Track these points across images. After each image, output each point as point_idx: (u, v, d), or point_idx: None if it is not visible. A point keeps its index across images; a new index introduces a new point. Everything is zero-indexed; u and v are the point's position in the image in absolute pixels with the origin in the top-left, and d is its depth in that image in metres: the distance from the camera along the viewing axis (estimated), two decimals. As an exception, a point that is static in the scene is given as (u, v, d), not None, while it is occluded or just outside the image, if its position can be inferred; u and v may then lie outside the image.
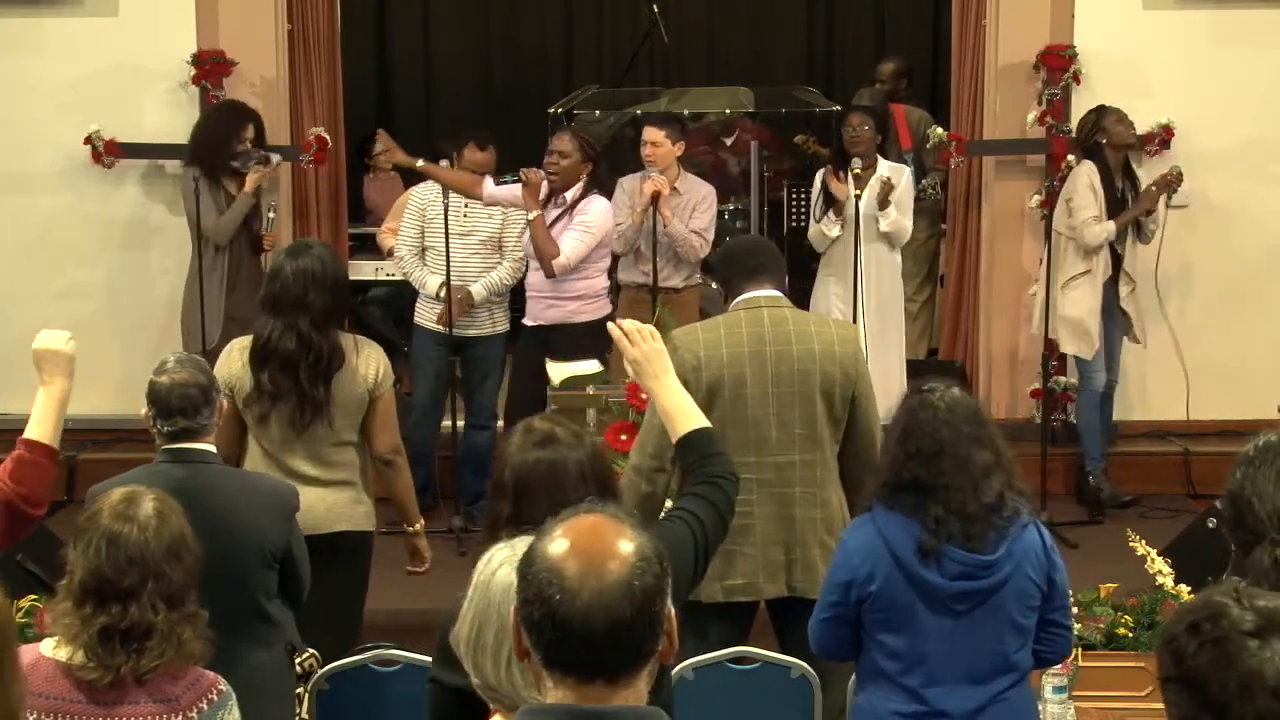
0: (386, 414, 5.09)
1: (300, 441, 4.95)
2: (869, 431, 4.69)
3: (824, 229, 7.47)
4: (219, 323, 7.31)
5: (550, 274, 6.93)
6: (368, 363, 5.02)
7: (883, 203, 7.34)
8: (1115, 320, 7.55)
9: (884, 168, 7.51)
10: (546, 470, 3.27)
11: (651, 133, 7.50)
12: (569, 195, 6.99)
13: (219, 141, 7.48)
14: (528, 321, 7.15)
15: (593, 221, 6.92)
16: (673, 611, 2.21)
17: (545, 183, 6.97)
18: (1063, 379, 7.90)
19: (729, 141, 9.80)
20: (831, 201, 7.46)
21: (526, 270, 7.23)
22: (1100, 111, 7.51)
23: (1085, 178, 7.39)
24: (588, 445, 3.36)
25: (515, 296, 7.53)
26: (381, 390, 5.04)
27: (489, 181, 7.04)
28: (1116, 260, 7.49)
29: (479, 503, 7.35)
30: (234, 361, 4.99)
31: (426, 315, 7.41)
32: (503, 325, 7.49)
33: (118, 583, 3.22)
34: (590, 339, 6.84)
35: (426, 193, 7.44)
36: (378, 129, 8.58)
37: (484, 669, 2.58)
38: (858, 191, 7.11)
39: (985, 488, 3.66)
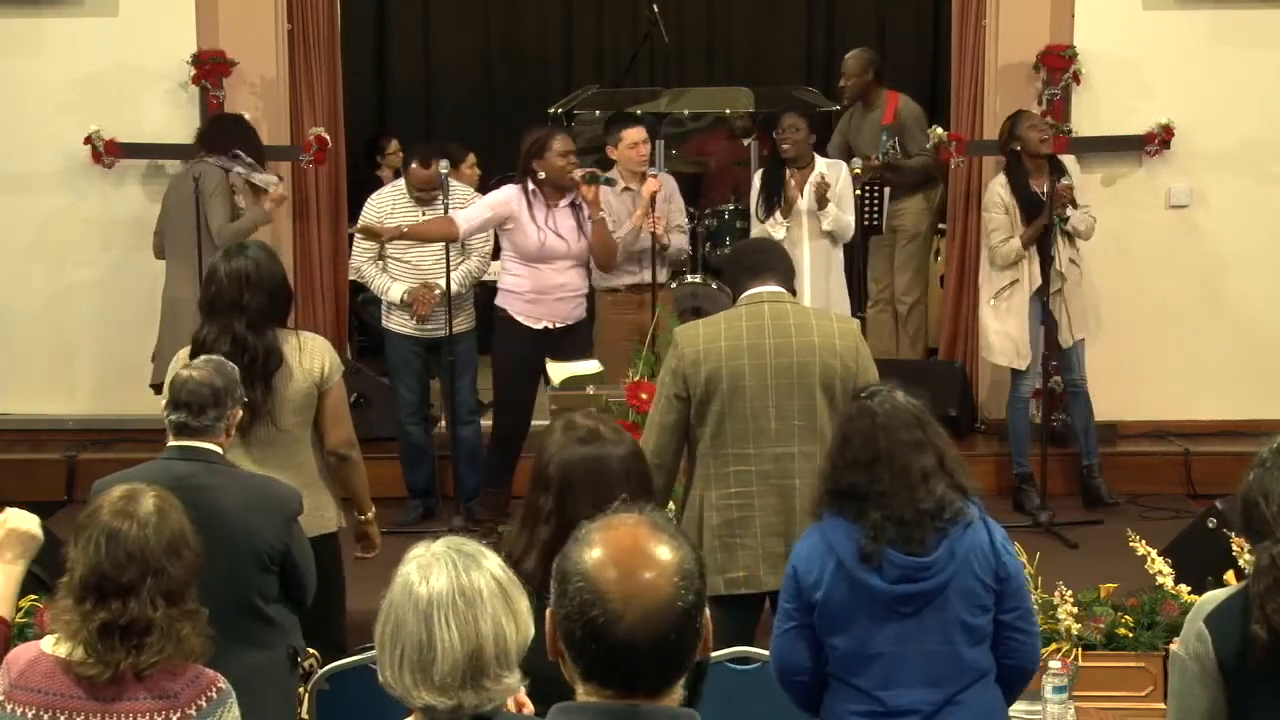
0: (337, 407, 5.08)
1: (244, 445, 4.91)
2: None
3: (770, 229, 7.48)
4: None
5: (613, 268, 7.30)
6: (313, 357, 5.01)
7: (821, 201, 7.37)
8: (1052, 325, 7.43)
9: (821, 165, 7.57)
10: (592, 466, 3.29)
11: (641, 132, 7.56)
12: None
13: (237, 134, 7.45)
14: (545, 325, 7.12)
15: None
16: (708, 615, 2.22)
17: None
18: (1058, 379, 7.89)
19: (747, 143, 9.79)
20: (774, 202, 7.49)
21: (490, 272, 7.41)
22: (1016, 119, 7.42)
23: (996, 195, 7.36)
24: (629, 443, 3.37)
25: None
26: (330, 384, 5.03)
27: (460, 216, 7.04)
28: (1047, 263, 7.32)
29: (477, 498, 7.37)
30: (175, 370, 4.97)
31: (398, 320, 7.45)
32: (470, 322, 7.52)
33: (117, 578, 3.22)
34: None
35: (383, 201, 7.50)
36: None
37: (384, 668, 2.59)
38: (857, 191, 7.13)
39: (924, 493, 3.64)
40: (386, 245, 7.34)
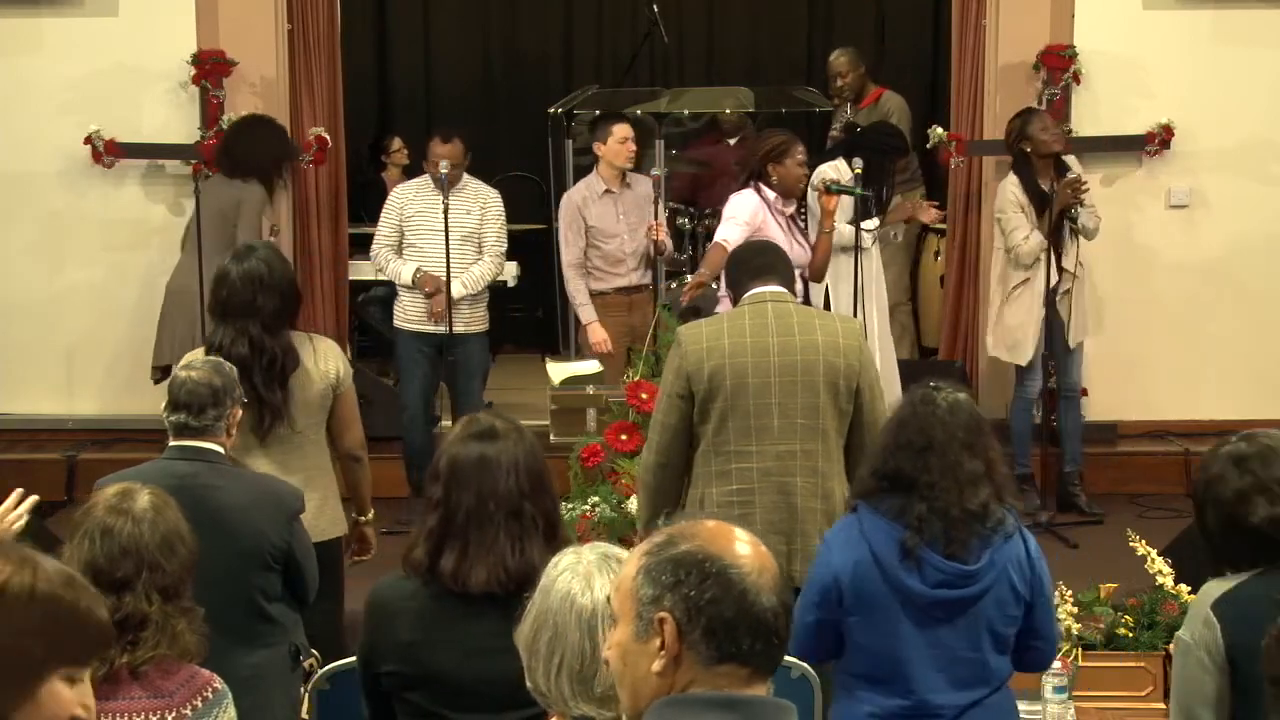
0: (350, 410, 5.10)
1: (263, 446, 4.93)
2: (875, 424, 4.66)
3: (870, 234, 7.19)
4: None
5: (821, 279, 6.75)
6: (325, 360, 5.02)
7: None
8: (1057, 325, 7.45)
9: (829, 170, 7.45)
10: (477, 460, 3.37)
11: (626, 128, 7.57)
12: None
13: (282, 154, 7.51)
14: None
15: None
16: None
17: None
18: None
19: (733, 143, 9.80)
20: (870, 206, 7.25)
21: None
22: (1026, 119, 7.40)
23: (1010, 194, 7.35)
24: (527, 442, 3.44)
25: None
26: (343, 387, 5.05)
27: (722, 238, 6.40)
28: (1056, 261, 7.34)
29: None
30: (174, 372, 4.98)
31: (407, 316, 7.43)
32: (484, 324, 7.48)
33: (111, 573, 3.22)
34: None
35: (406, 191, 7.49)
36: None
37: (535, 673, 2.59)
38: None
39: (970, 494, 3.64)
40: (406, 237, 7.36)
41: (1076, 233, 7.33)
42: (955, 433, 3.67)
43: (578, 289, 7.56)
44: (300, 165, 8.17)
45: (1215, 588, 3.34)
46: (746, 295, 4.85)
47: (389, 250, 7.41)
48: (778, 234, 6.28)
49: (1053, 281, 7.29)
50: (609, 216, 7.53)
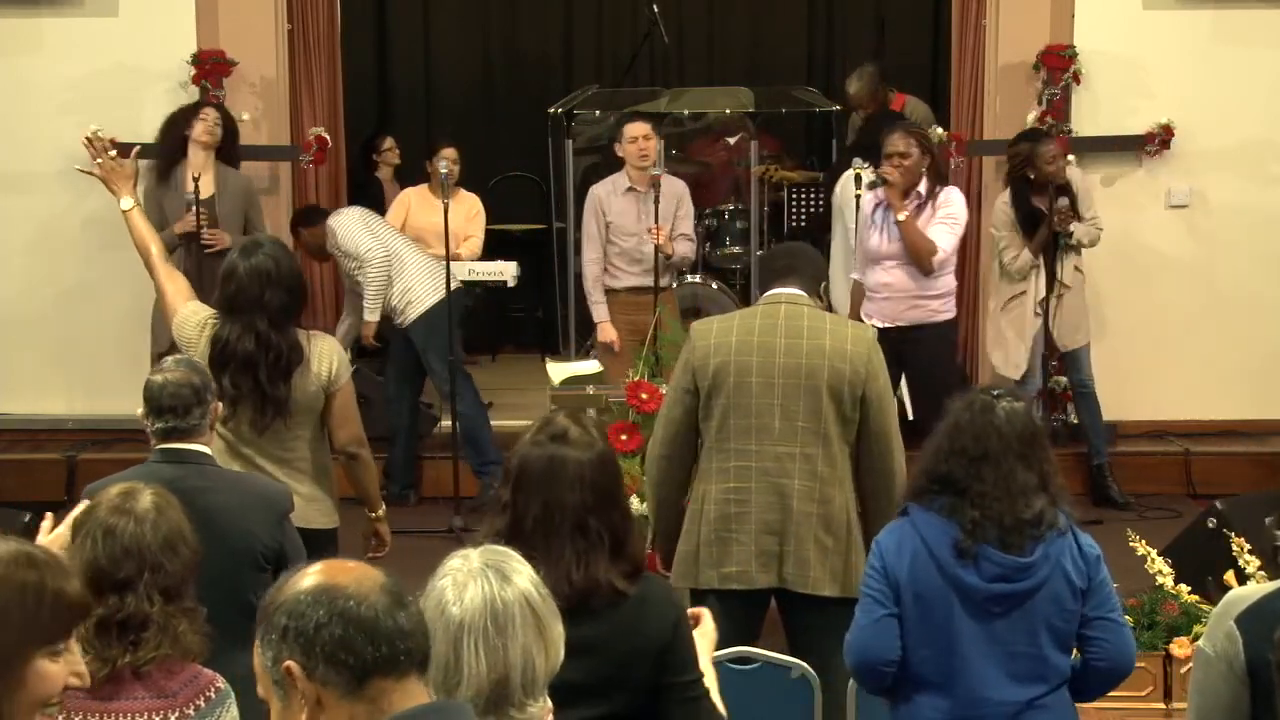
0: (346, 407, 5.06)
1: (258, 440, 4.94)
2: (881, 435, 4.66)
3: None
4: None
5: (929, 271, 6.69)
6: (320, 359, 5.00)
7: None
8: (1047, 333, 7.52)
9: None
10: (546, 465, 3.28)
11: (642, 127, 7.55)
12: (922, 191, 6.70)
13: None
14: (879, 323, 6.44)
15: (957, 212, 6.70)
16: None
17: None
18: (1062, 379, 7.91)
19: (732, 141, 9.80)
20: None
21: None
22: (1035, 144, 7.40)
23: (1002, 214, 7.42)
24: (598, 450, 3.35)
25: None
26: (337, 386, 5.02)
27: (942, 244, 6.70)
28: (1050, 274, 7.42)
29: (487, 466, 7.56)
30: (190, 329, 5.00)
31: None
32: (423, 306, 7.62)
33: (114, 573, 3.21)
34: (951, 337, 7.03)
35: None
36: None
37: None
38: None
39: (1024, 505, 3.62)
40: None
41: (1071, 247, 7.39)
42: (1011, 443, 3.64)
43: (594, 286, 7.66)
44: (300, 165, 8.17)
45: (1240, 599, 3.28)
46: (764, 296, 4.86)
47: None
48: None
49: (1040, 294, 7.36)
50: (629, 215, 7.54)
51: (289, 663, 2.13)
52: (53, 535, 3.38)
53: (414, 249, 7.80)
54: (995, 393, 3.74)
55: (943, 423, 3.78)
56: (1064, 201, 7.30)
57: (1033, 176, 7.34)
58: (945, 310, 6.85)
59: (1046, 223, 7.27)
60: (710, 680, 3.37)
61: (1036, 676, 3.69)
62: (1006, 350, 7.52)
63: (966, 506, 3.62)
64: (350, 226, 7.70)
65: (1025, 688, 3.68)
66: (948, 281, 6.83)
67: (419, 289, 7.60)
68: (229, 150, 7.55)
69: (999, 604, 3.65)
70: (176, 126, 7.42)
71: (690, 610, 3.49)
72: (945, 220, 6.68)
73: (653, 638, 3.23)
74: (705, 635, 3.43)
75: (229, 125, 7.56)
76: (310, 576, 2.19)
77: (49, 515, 3.52)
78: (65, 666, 2.24)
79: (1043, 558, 3.64)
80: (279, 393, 4.88)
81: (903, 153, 6.66)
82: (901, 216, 6.64)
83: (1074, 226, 7.33)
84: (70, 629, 2.28)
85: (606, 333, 7.60)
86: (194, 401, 4.23)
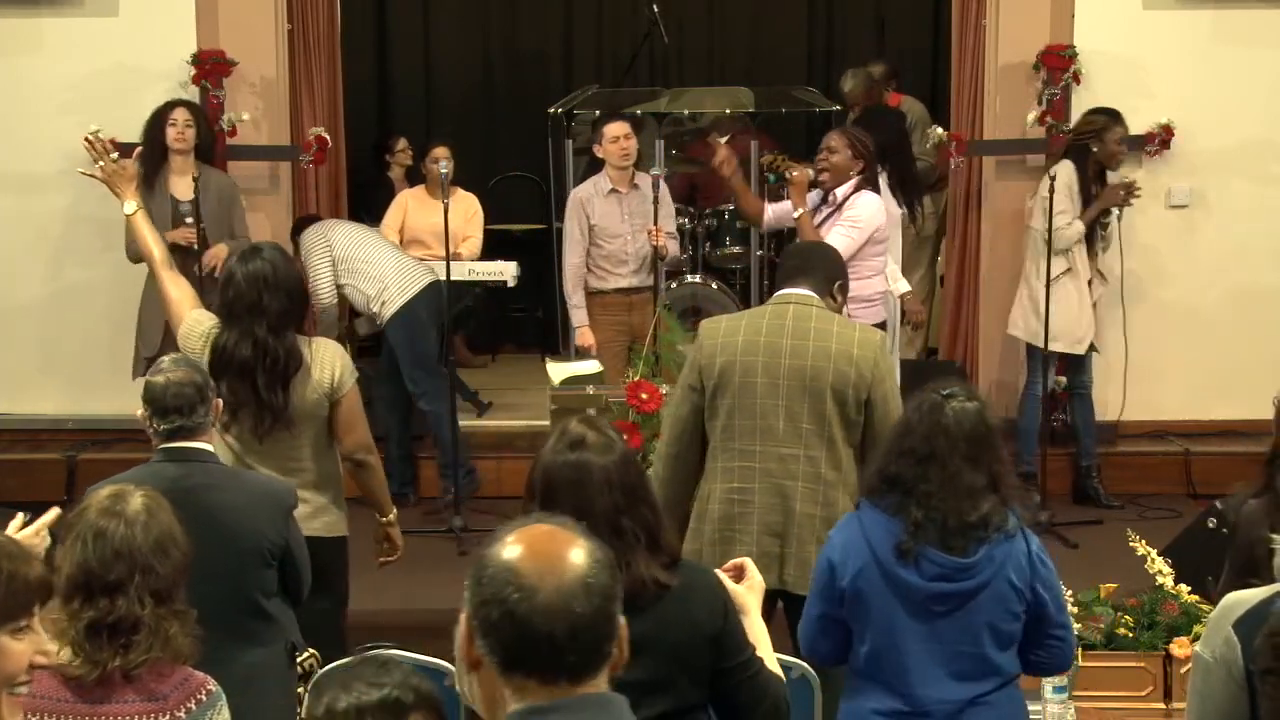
0: (350, 413, 5.02)
1: (261, 448, 4.91)
2: (884, 438, 4.67)
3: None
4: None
5: None
6: (323, 367, 4.95)
7: None
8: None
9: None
10: (572, 474, 3.28)
11: (621, 126, 7.57)
12: (839, 193, 6.56)
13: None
14: None
15: (860, 217, 6.39)
16: (623, 620, 2.19)
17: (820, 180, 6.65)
18: (1062, 379, 7.90)
19: (725, 140, 9.79)
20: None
21: None
22: (1107, 124, 7.48)
23: (1064, 179, 7.38)
24: (619, 452, 3.36)
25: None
26: (342, 392, 4.97)
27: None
28: (1092, 259, 7.54)
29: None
30: (194, 341, 4.97)
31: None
32: (393, 308, 7.56)
33: (104, 576, 3.20)
34: None
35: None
36: None
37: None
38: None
39: (970, 507, 3.62)
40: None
41: (1105, 237, 7.48)
42: (958, 443, 3.63)
43: (575, 290, 7.60)
44: (300, 165, 8.17)
45: (1238, 603, 3.26)
46: (775, 296, 4.86)
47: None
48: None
49: (1087, 275, 7.46)
50: (613, 216, 7.53)
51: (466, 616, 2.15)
52: (23, 533, 3.37)
53: (393, 250, 7.77)
54: (945, 392, 3.72)
55: (895, 423, 3.81)
56: (1132, 181, 7.50)
57: (1095, 150, 7.41)
58: (860, 316, 6.22)
59: (1103, 194, 7.40)
60: (763, 643, 3.39)
61: (979, 675, 3.71)
62: (1072, 332, 7.49)
63: (912, 506, 3.63)
64: (313, 249, 7.63)
65: (967, 685, 3.70)
66: (862, 286, 6.26)
67: (391, 289, 7.56)
68: (207, 148, 7.55)
69: (940, 603, 3.66)
70: (154, 130, 7.41)
71: (732, 562, 3.50)
72: (844, 223, 6.41)
73: (704, 627, 3.25)
74: (754, 588, 3.43)
75: (205, 122, 7.57)
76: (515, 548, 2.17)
77: (20, 515, 3.51)
78: (30, 645, 2.25)
79: (986, 559, 3.64)
80: (277, 400, 4.84)
81: (831, 148, 6.57)
82: (798, 213, 6.56)
83: (1120, 213, 7.46)
84: (31, 607, 2.31)
85: (584, 337, 7.54)
86: (198, 400, 4.23)
